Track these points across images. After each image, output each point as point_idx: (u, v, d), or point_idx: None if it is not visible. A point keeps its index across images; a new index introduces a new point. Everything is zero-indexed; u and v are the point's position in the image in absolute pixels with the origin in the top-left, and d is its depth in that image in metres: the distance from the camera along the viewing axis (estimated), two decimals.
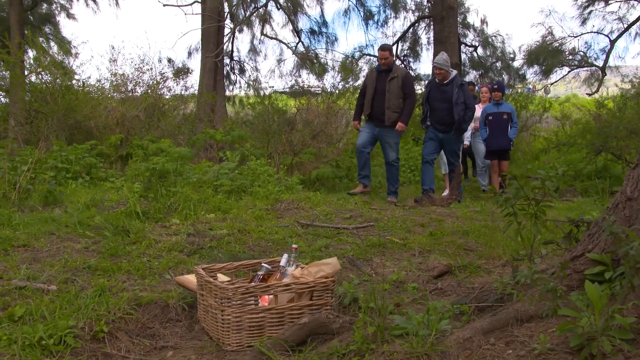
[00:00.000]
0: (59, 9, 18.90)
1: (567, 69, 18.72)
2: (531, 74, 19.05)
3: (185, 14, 20.30)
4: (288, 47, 16.67)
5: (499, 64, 19.28)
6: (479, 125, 9.64)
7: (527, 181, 3.61)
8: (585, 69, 18.83)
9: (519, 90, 18.28)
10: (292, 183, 7.46)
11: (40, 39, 13.39)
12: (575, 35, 18.03)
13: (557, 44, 18.11)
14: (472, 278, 3.79)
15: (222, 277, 3.21)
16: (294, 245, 3.23)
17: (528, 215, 3.60)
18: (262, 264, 3.19)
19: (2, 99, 15.16)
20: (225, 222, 5.33)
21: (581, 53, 18.16)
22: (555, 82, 19.86)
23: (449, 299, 3.31)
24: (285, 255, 3.19)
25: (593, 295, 2.11)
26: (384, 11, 17.81)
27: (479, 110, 9.56)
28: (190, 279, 3.30)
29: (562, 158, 12.29)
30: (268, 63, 31.92)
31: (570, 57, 18.27)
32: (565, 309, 2.22)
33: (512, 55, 19.36)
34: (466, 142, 9.57)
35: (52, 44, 17.24)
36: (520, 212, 3.65)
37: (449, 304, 2.98)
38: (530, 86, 19.68)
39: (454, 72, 8.21)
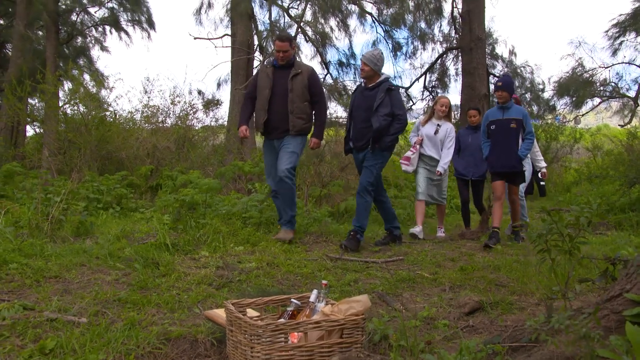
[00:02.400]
0: (93, 42, 19.42)
1: (598, 99, 18.57)
2: (561, 105, 18.94)
3: (216, 46, 20.55)
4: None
5: (528, 95, 19.17)
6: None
7: (560, 216, 3.55)
8: (617, 99, 18.64)
9: (549, 121, 18.15)
10: (320, 215, 7.44)
11: (75, 71, 13.71)
12: (606, 66, 17.92)
13: (588, 75, 17.99)
14: (505, 315, 3.71)
15: (251, 313, 3.19)
16: (323, 281, 3.20)
17: (562, 252, 3.54)
18: (292, 300, 3.16)
19: (37, 130, 15.54)
20: (254, 255, 5.33)
21: (612, 84, 18.00)
22: (586, 113, 19.69)
23: (481, 338, 3.24)
24: (315, 291, 3.16)
25: (634, 339, 2.04)
26: (412, 43, 17.91)
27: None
28: (220, 313, 3.28)
29: (594, 190, 12.09)
30: None
31: (602, 88, 18.12)
32: (603, 351, 2.15)
33: (541, 86, 19.29)
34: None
35: (86, 76, 17.66)
36: (554, 248, 3.58)
37: (481, 343, 2.91)
38: (560, 116, 19.54)
39: (385, 75, 6.56)
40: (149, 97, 13.95)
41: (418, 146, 7.76)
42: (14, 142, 14.25)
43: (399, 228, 6.74)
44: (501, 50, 21.32)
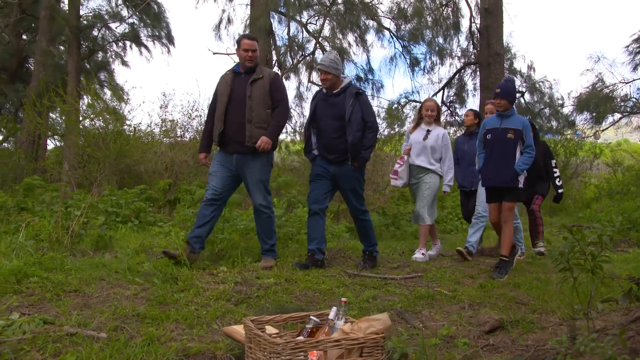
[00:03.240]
0: (113, 56, 19.64)
1: (618, 115, 18.42)
2: (581, 120, 18.80)
3: (235, 62, 20.74)
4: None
5: (547, 110, 19.07)
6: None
7: (582, 234, 3.51)
8: (638, 115, 18.48)
9: (569, 136, 18.03)
10: (338, 231, 7.44)
11: (96, 86, 13.89)
12: (626, 82, 17.77)
13: (608, 91, 17.86)
14: (526, 335, 3.66)
15: (270, 330, 3.17)
16: (343, 299, 3.18)
17: (584, 271, 3.49)
18: (311, 317, 3.14)
19: (58, 143, 15.71)
20: (272, 270, 5.32)
21: (633, 99, 17.85)
22: (606, 128, 19.54)
23: (502, 357, 3.20)
24: (334, 309, 3.14)
25: None
26: (430, 58, 17.91)
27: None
28: (238, 329, 3.27)
29: (615, 206, 11.95)
30: None
31: (622, 103, 17.97)
32: None
33: (560, 101, 19.16)
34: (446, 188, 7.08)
35: (106, 90, 17.87)
36: (576, 266, 3.53)
37: None
38: (579, 132, 19.41)
39: (349, 77, 6.09)
40: (166, 112, 14.03)
41: (406, 156, 6.94)
42: (34, 155, 14.43)
43: (376, 251, 6.19)
44: (519, 65, 21.33)
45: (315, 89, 16.73)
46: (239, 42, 5.78)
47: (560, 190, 7.63)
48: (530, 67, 19.31)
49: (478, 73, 17.42)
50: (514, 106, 5.91)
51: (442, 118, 18.54)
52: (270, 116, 5.65)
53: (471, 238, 6.82)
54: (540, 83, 19.15)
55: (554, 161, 7.58)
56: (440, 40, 17.53)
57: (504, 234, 5.82)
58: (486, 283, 5.14)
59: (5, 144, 17.47)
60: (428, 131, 6.91)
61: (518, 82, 19.40)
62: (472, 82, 19.01)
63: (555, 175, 7.50)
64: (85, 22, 17.52)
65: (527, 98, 19.29)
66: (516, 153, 5.76)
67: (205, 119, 6.05)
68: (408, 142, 7.05)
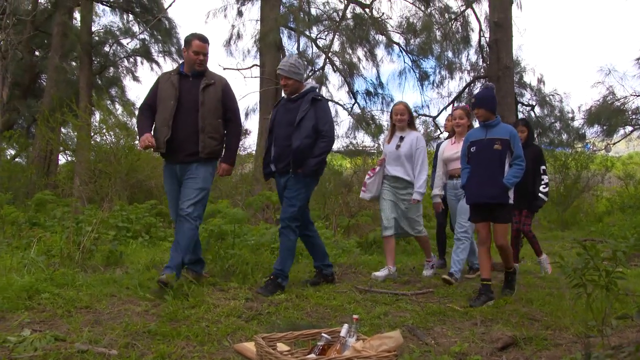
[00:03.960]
0: (125, 72, 19.82)
1: (630, 128, 18.34)
2: (592, 133, 18.73)
3: (245, 77, 20.87)
4: (344, 108, 16.87)
5: (557, 124, 19.02)
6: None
7: (596, 250, 3.48)
8: None
9: (579, 150, 17.96)
10: (349, 246, 7.41)
11: (107, 101, 14.00)
12: (637, 94, 17.71)
13: (619, 104, 17.80)
14: (540, 352, 3.62)
15: (281, 347, 3.16)
16: (354, 316, 3.17)
17: (598, 287, 3.45)
18: (322, 334, 3.13)
19: (70, 158, 15.83)
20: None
21: None
22: (618, 141, 19.46)
23: None
24: (346, 326, 3.13)
25: None
26: (439, 72, 17.92)
27: (452, 147, 6.41)
28: (249, 347, 3.26)
29: (627, 220, 11.86)
30: None
31: (634, 116, 17.89)
32: None
33: (571, 115, 19.12)
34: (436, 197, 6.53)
35: (118, 105, 18.02)
36: (590, 282, 3.50)
37: None
38: (590, 145, 19.34)
39: (311, 83, 5.71)
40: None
41: (378, 167, 6.35)
42: (46, 170, 14.52)
43: (330, 266, 5.78)
44: (529, 78, 21.24)
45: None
46: (188, 41, 5.20)
47: (541, 195, 6.76)
48: (540, 81, 19.32)
49: None
50: (497, 115, 5.35)
51: None
52: (221, 126, 5.24)
53: (456, 266, 6.09)
54: (551, 96, 19.14)
55: (543, 167, 6.84)
56: (450, 54, 17.54)
57: (502, 257, 5.39)
58: (498, 299, 5.09)
59: (18, 159, 17.62)
60: (401, 138, 6.25)
61: (528, 95, 19.39)
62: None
63: (543, 182, 6.76)
64: (97, 38, 17.71)
65: (538, 111, 19.27)
66: (505, 165, 5.18)
67: (138, 114, 5.42)
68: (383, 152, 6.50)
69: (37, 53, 19.39)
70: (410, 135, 6.25)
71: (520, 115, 18.71)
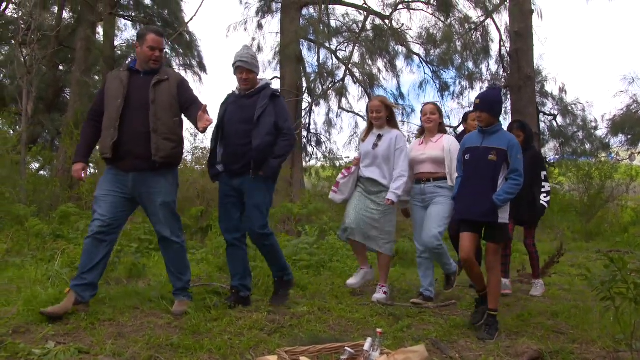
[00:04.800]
0: None
1: None
2: (616, 143, 18.51)
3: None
4: (364, 119, 16.87)
5: (580, 133, 18.83)
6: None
7: (624, 262, 3.42)
8: None
9: (603, 159, 17.75)
10: (371, 258, 7.36)
11: None
12: None
13: None
14: None
15: None
16: (378, 330, 3.14)
17: (626, 300, 3.39)
18: (346, 348, 3.11)
19: (92, 170, 15.98)
20: (305, 299, 5.29)
21: None
22: None
23: None
24: (369, 340, 3.10)
25: None
26: (460, 82, 17.82)
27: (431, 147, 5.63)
28: None
29: None
30: (344, 135, 32.36)
31: None
32: None
33: (594, 124, 18.92)
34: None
35: None
36: (618, 295, 3.44)
37: None
38: (613, 154, 19.11)
39: (266, 79, 5.25)
40: (197, 139, 14.19)
41: (353, 168, 5.76)
42: (70, 183, 14.65)
43: (289, 273, 5.32)
44: (551, 88, 21.03)
45: (344, 114, 16.77)
46: (142, 36, 4.65)
47: (542, 202, 6.07)
48: (562, 90, 19.12)
49: (509, 97, 17.30)
50: (500, 120, 4.75)
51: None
52: (178, 126, 4.70)
53: (425, 281, 5.64)
54: (573, 106, 18.94)
55: (544, 173, 6.19)
56: (470, 64, 17.44)
57: (490, 283, 4.62)
58: (523, 312, 5.03)
59: (42, 172, 17.82)
60: (379, 137, 5.64)
61: (550, 105, 19.22)
62: (502, 105, 18.88)
63: (543, 190, 6.11)
64: (119, 52, 17.93)
65: (560, 121, 19.10)
66: (498, 179, 4.55)
67: (83, 124, 4.85)
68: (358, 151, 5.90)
69: (60, 67, 19.65)
70: (389, 134, 5.62)
71: (542, 125, 18.57)
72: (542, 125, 18.50)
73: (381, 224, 5.54)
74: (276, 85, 15.28)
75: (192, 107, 4.66)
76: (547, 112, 19.21)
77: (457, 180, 4.91)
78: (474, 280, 4.77)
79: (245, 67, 4.93)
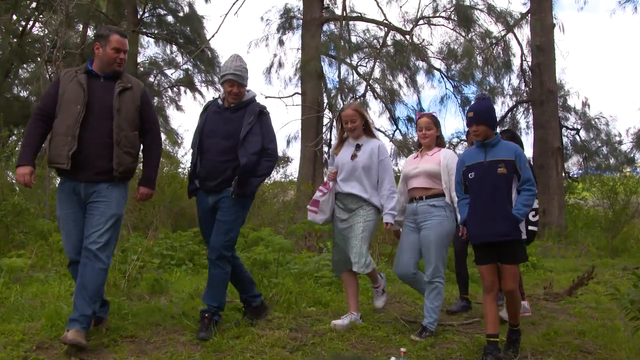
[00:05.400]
0: (168, 101, 20.23)
1: None
2: None
3: (286, 105, 21.08)
4: (385, 134, 16.86)
5: (604, 148, 18.64)
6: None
7: None
8: None
9: (628, 174, 17.52)
10: (393, 274, 7.29)
11: None
12: None
13: None
14: None
15: None
16: (402, 349, 3.10)
17: None
18: None
19: None
20: (327, 316, 5.25)
21: None
22: None
23: None
24: (393, 359, 3.06)
25: None
26: None
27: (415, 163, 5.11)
28: None
29: None
30: None
31: None
32: None
33: (618, 138, 18.73)
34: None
35: (162, 134, 18.38)
36: None
37: None
38: (639, 168, 18.87)
39: (253, 92, 4.87)
40: None
41: (331, 183, 5.11)
42: None
43: (259, 296, 5.06)
44: (573, 102, 20.96)
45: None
46: (105, 36, 4.24)
47: (532, 228, 5.17)
48: (585, 104, 19.02)
49: (531, 111, 17.21)
50: (498, 131, 4.44)
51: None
52: (137, 139, 4.35)
53: (431, 315, 4.83)
54: (596, 120, 18.83)
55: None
56: (491, 79, 17.43)
57: (509, 308, 4.34)
58: (549, 330, 4.94)
59: None
60: (358, 146, 5.09)
61: (572, 119, 19.05)
62: (524, 120, 18.79)
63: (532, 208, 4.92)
64: (142, 69, 18.16)
65: (583, 135, 18.94)
66: (511, 192, 4.24)
67: (30, 121, 4.26)
68: (333, 164, 5.25)
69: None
70: (370, 143, 5.08)
71: (565, 140, 18.40)
72: (565, 139, 18.38)
73: (361, 239, 4.90)
74: (297, 101, 15.34)
75: (149, 134, 4.44)
76: (570, 127, 19.09)
77: (460, 204, 4.46)
78: (489, 318, 4.27)
79: (236, 81, 4.64)
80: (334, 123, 15.87)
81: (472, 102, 4.61)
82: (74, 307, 3.99)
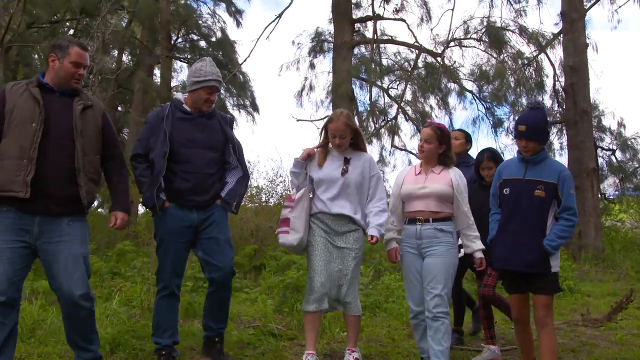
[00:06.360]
0: None
1: None
2: None
3: (318, 128, 21.15)
4: (417, 157, 16.76)
5: None
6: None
7: None
8: None
9: None
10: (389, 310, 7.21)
11: None
12: None
13: None
14: None
15: None
16: None
17: None
18: None
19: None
20: (360, 341, 5.19)
21: None
22: None
23: None
24: None
25: None
26: (514, 118, 17.61)
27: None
28: None
29: None
30: (397, 173, 32.22)
31: None
32: None
33: None
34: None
35: None
36: None
37: None
38: None
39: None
40: (250, 178, 14.38)
41: (301, 192, 4.42)
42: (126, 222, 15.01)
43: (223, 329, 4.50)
44: (609, 122, 20.50)
45: (397, 152, 16.59)
46: (63, 47, 3.68)
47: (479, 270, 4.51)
48: (620, 124, 18.71)
49: (565, 132, 16.99)
50: (545, 147, 3.98)
51: None
52: (99, 165, 3.83)
53: (424, 347, 4.23)
54: (632, 140, 18.48)
55: None
56: (524, 100, 17.23)
57: (542, 343, 3.81)
58: (590, 358, 4.81)
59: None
60: (347, 160, 4.44)
61: (608, 139, 18.75)
62: (558, 141, 18.53)
63: None
64: (175, 93, 18.42)
65: (619, 156, 18.62)
66: (548, 219, 3.82)
67: None
68: (305, 178, 4.50)
69: (119, 108, 20.32)
70: (360, 157, 4.47)
71: (601, 161, 18.09)
72: (600, 160, 18.06)
73: (354, 272, 4.34)
74: None
75: (114, 160, 3.95)
76: (606, 147, 18.79)
77: (491, 219, 4.12)
78: (523, 348, 4.02)
79: (217, 87, 4.32)
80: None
81: (524, 112, 4.05)
82: (77, 352, 3.71)
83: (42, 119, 3.53)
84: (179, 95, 4.39)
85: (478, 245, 4.17)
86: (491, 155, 4.91)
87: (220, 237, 4.20)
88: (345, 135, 4.37)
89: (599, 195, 16.89)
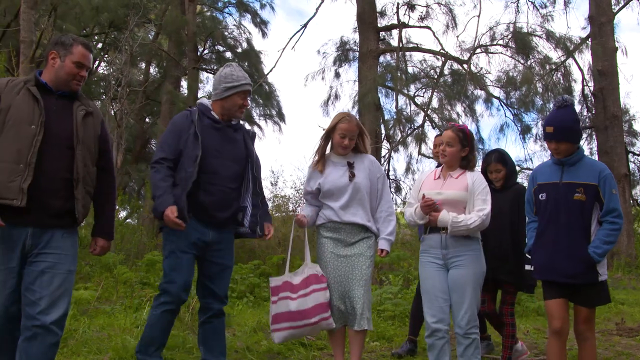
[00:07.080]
0: None
1: None
2: None
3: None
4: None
5: None
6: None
7: None
8: None
9: None
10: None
11: None
12: None
13: None
14: None
15: None
16: None
17: None
18: None
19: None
20: (391, 351, 5.15)
21: None
22: None
23: None
24: None
25: None
26: (542, 125, 17.43)
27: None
28: None
29: None
30: None
31: None
32: None
33: None
34: None
35: None
36: None
37: None
38: None
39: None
40: (276, 188, 14.44)
41: (308, 208, 4.39)
42: (156, 232, 15.13)
43: None
44: (639, 126, 20.24)
45: (425, 160, 16.47)
46: (66, 45, 3.34)
47: (529, 267, 4.14)
48: None
49: (594, 137, 16.76)
50: (581, 146, 3.72)
51: None
52: (95, 176, 3.46)
53: None
54: None
55: None
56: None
57: (582, 357, 3.66)
58: None
59: (129, 220, 18.49)
60: (350, 164, 4.21)
61: (639, 144, 18.45)
62: (588, 146, 18.28)
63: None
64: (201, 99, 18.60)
65: None
66: (591, 224, 3.58)
67: None
68: (310, 185, 4.33)
69: (147, 120, 20.56)
70: (363, 159, 4.26)
71: (632, 166, 17.79)
72: (631, 165, 17.78)
73: (366, 284, 4.10)
74: None
75: (107, 173, 3.57)
76: (637, 152, 18.50)
77: (528, 227, 3.93)
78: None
79: (250, 90, 4.04)
80: (392, 154, 15.76)
81: (551, 111, 3.76)
82: None
83: (42, 121, 3.20)
84: (205, 101, 4.08)
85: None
86: (499, 157, 4.66)
87: (225, 263, 3.99)
88: (354, 137, 4.18)
89: (631, 201, 16.61)
